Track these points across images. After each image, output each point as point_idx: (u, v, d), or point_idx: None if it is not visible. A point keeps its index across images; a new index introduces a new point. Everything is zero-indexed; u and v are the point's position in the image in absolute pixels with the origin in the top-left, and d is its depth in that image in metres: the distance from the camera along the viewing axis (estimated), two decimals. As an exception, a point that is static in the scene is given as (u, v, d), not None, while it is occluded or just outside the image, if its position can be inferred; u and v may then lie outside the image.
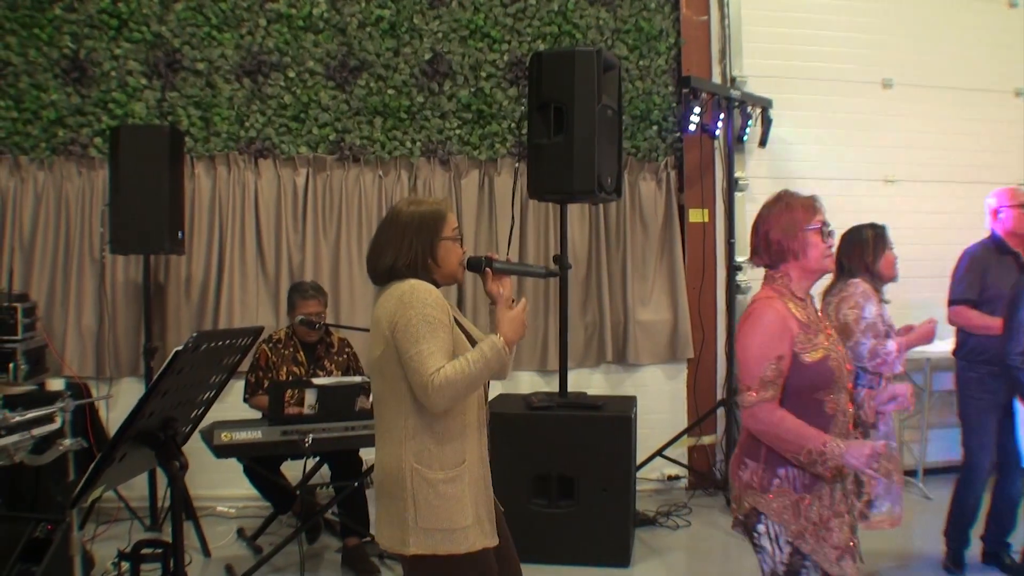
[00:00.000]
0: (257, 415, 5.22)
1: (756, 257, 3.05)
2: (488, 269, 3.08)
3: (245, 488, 5.50)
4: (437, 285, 2.96)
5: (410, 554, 2.80)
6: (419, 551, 2.79)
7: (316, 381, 4.88)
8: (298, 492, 5.21)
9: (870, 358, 4.14)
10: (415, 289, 2.81)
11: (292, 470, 5.36)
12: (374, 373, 2.93)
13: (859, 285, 4.25)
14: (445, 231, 2.97)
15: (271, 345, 5.34)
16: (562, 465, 5.13)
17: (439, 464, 2.83)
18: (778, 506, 2.89)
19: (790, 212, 2.94)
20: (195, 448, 4.23)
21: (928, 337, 4.37)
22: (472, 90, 6.49)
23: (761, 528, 2.93)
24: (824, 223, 2.95)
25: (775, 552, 2.90)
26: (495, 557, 2.94)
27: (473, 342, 2.98)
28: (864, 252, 4.37)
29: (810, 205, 2.97)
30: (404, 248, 2.91)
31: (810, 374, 2.85)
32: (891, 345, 4.15)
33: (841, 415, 2.93)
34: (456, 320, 3.00)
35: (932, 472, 6.64)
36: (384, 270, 2.93)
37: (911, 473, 6.68)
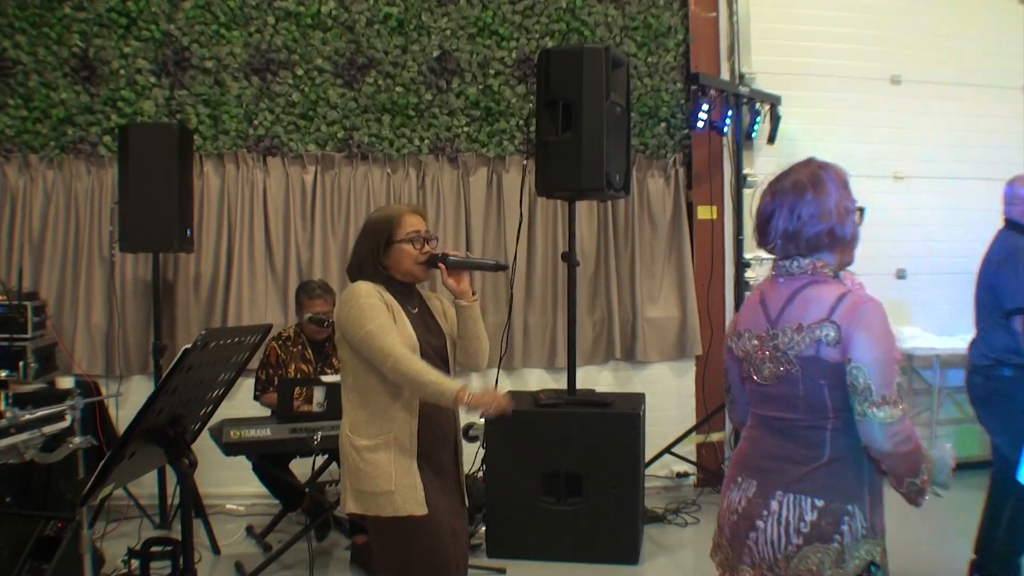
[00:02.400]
0: (266, 412, 5.23)
1: (789, 246, 2.55)
2: (442, 264, 3.30)
3: (254, 486, 5.51)
4: (401, 282, 3.28)
5: (348, 512, 3.22)
6: (355, 509, 3.17)
7: (324, 379, 4.89)
8: (307, 489, 5.22)
9: None
10: (354, 288, 3.19)
11: (301, 467, 5.37)
12: (340, 353, 3.29)
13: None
14: (397, 235, 3.25)
15: (280, 342, 5.36)
16: (571, 462, 5.13)
17: (366, 433, 3.15)
18: (883, 549, 2.50)
19: (839, 193, 2.56)
20: (204, 446, 4.25)
21: None
22: (480, 87, 6.49)
23: None
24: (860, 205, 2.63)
25: None
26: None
27: (431, 331, 3.31)
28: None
29: (847, 181, 2.64)
30: (359, 251, 3.32)
31: None
32: None
33: None
34: (424, 312, 3.36)
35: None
36: (349, 270, 3.36)
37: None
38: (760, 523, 2.48)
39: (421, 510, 3.13)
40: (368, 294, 3.14)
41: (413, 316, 3.26)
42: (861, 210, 2.59)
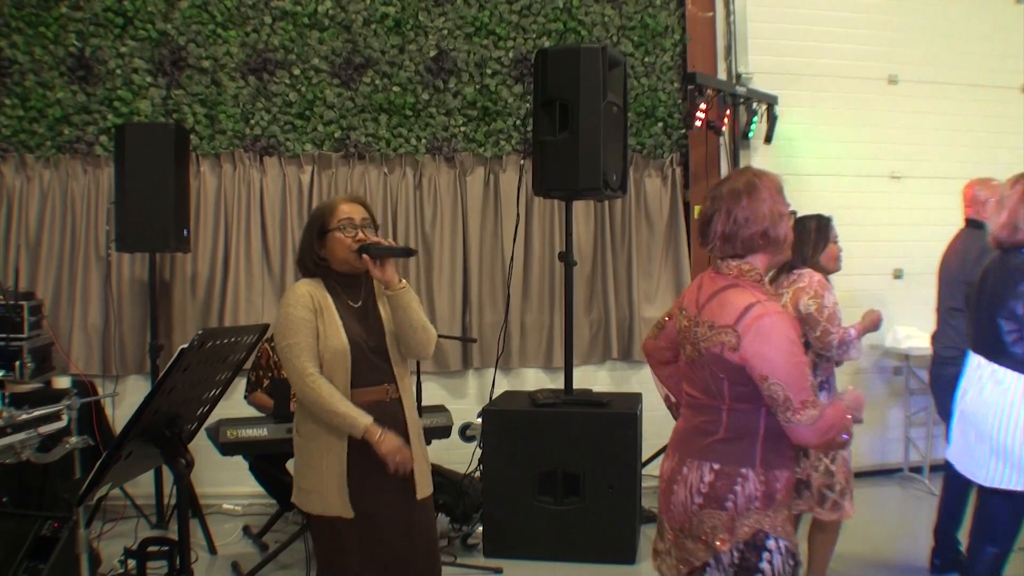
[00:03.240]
0: (258, 412, 5.22)
1: (726, 246, 2.70)
2: (365, 255, 3.26)
3: (251, 485, 5.50)
4: (345, 274, 3.28)
5: (294, 504, 3.26)
6: (295, 502, 3.24)
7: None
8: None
9: (839, 346, 4.07)
10: (288, 293, 3.23)
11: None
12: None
13: (812, 275, 4.17)
14: (331, 224, 3.25)
15: (272, 344, 5.35)
16: (568, 462, 5.13)
17: (305, 430, 3.20)
18: (782, 519, 2.65)
19: (772, 199, 2.66)
20: (201, 446, 4.24)
21: (876, 324, 4.42)
22: (477, 87, 6.49)
23: (767, 556, 2.60)
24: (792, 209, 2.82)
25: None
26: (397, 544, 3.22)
27: (368, 330, 3.27)
28: (805, 244, 4.26)
29: (781, 187, 2.73)
30: (300, 244, 3.36)
31: None
32: (853, 332, 4.13)
33: None
34: (372, 306, 3.34)
35: (938, 468, 6.62)
36: (297, 264, 3.38)
37: (916, 470, 6.68)
38: (675, 487, 2.73)
39: (344, 512, 3.13)
40: (295, 303, 3.16)
41: (352, 312, 3.25)
42: (793, 213, 2.79)
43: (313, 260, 3.27)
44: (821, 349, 4.09)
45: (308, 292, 3.19)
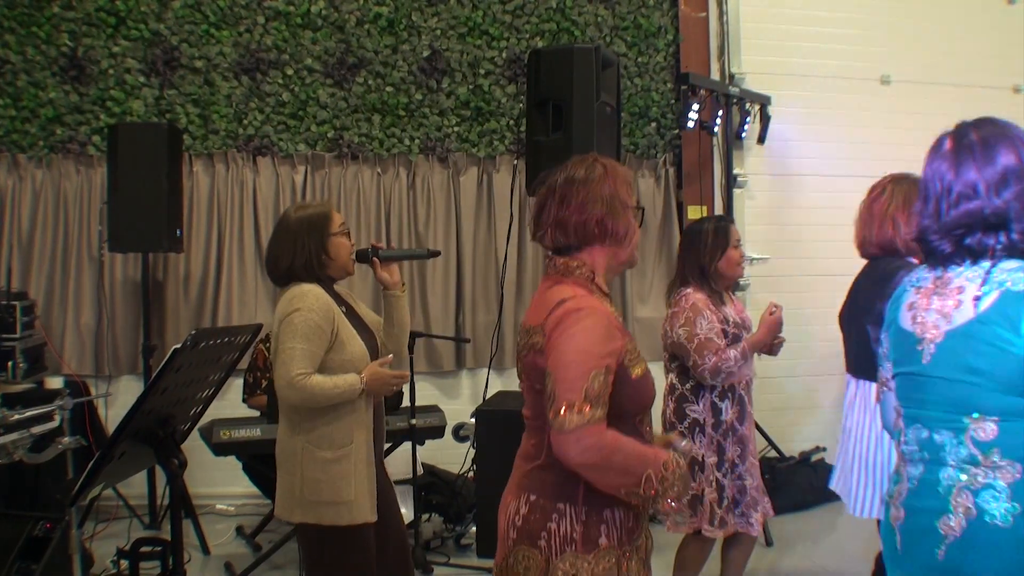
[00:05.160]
0: (256, 413, 5.22)
1: (558, 234, 2.37)
2: (375, 258, 3.39)
3: (244, 486, 5.50)
4: (333, 280, 3.31)
5: (296, 522, 3.20)
6: (307, 520, 3.15)
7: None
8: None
9: (712, 376, 3.77)
10: (306, 294, 3.15)
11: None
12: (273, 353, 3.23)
13: (688, 298, 3.88)
14: (332, 228, 3.26)
15: (267, 344, 5.34)
16: (561, 462, 5.12)
17: (328, 444, 3.14)
18: (604, 568, 2.26)
19: (615, 185, 2.37)
20: (194, 446, 4.24)
21: (775, 327, 3.88)
22: (471, 87, 6.49)
23: None
24: (640, 205, 2.49)
25: None
26: (377, 532, 3.26)
27: (366, 333, 3.32)
28: (700, 251, 3.96)
29: (630, 180, 2.46)
30: (298, 250, 3.21)
31: (634, 393, 2.29)
32: (732, 355, 3.77)
33: (652, 439, 2.43)
34: (352, 310, 3.36)
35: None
36: (283, 273, 3.26)
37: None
38: (500, 518, 2.41)
39: (373, 516, 3.19)
40: (318, 308, 3.12)
41: (350, 319, 3.28)
42: (641, 210, 2.47)
43: (319, 266, 3.24)
44: (700, 380, 3.84)
45: (327, 301, 3.17)
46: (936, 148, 2.25)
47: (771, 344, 3.93)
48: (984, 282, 2.04)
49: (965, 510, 1.99)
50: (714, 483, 3.86)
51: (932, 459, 2.09)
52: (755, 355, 4.01)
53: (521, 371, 2.39)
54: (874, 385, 3.16)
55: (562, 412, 2.11)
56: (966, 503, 1.99)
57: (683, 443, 2.47)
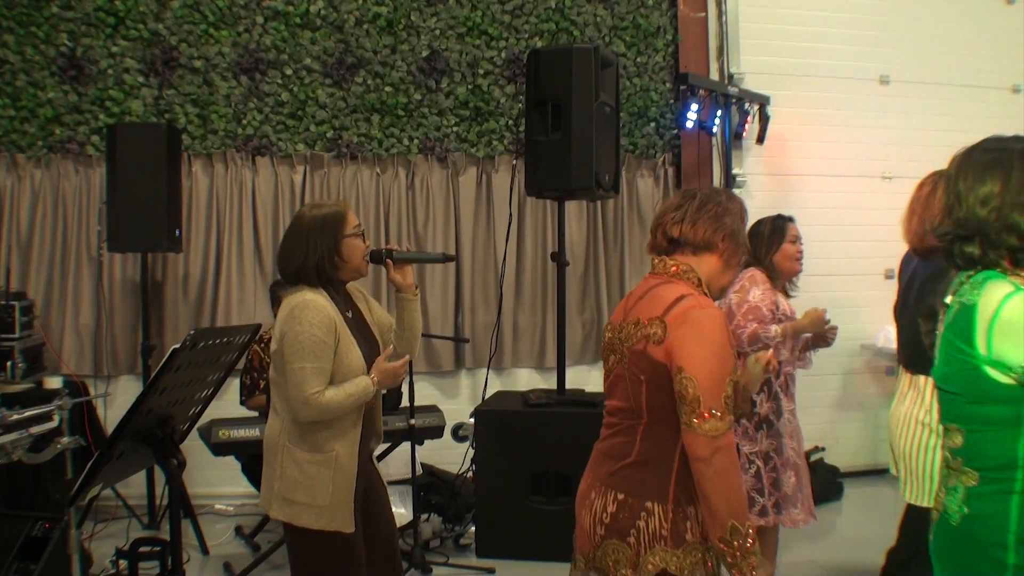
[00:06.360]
0: (255, 413, 5.22)
1: (685, 229, 2.49)
2: (388, 260, 3.37)
3: (243, 486, 5.50)
4: (344, 282, 3.29)
5: (272, 516, 3.18)
6: (280, 516, 3.14)
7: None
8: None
9: (750, 342, 3.93)
10: (307, 306, 3.09)
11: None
12: (274, 359, 3.18)
13: (749, 270, 4.12)
14: (347, 229, 3.22)
15: (263, 346, 5.33)
16: (560, 462, 5.12)
17: (308, 447, 3.12)
18: (692, 562, 2.38)
19: (743, 222, 2.55)
20: (193, 446, 4.24)
21: (818, 323, 4.08)
22: (470, 87, 6.49)
23: None
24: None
25: None
26: (366, 534, 3.27)
27: (367, 340, 3.29)
28: (758, 246, 4.19)
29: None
30: (311, 250, 3.17)
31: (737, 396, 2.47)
32: (774, 329, 3.96)
33: None
34: (359, 315, 3.34)
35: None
36: (294, 271, 3.21)
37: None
38: (583, 511, 2.54)
39: (349, 527, 3.15)
40: (319, 323, 3.07)
41: (351, 327, 3.24)
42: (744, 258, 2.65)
43: (331, 267, 3.20)
44: (736, 346, 3.90)
45: (328, 311, 3.13)
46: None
47: (821, 335, 4.15)
48: (956, 292, 2.14)
49: (940, 505, 2.18)
50: (751, 472, 3.99)
51: None
52: (802, 363, 4.21)
53: (617, 362, 2.50)
54: (923, 379, 3.35)
55: (708, 418, 2.27)
56: (941, 500, 2.18)
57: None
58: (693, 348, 2.30)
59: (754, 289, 4.04)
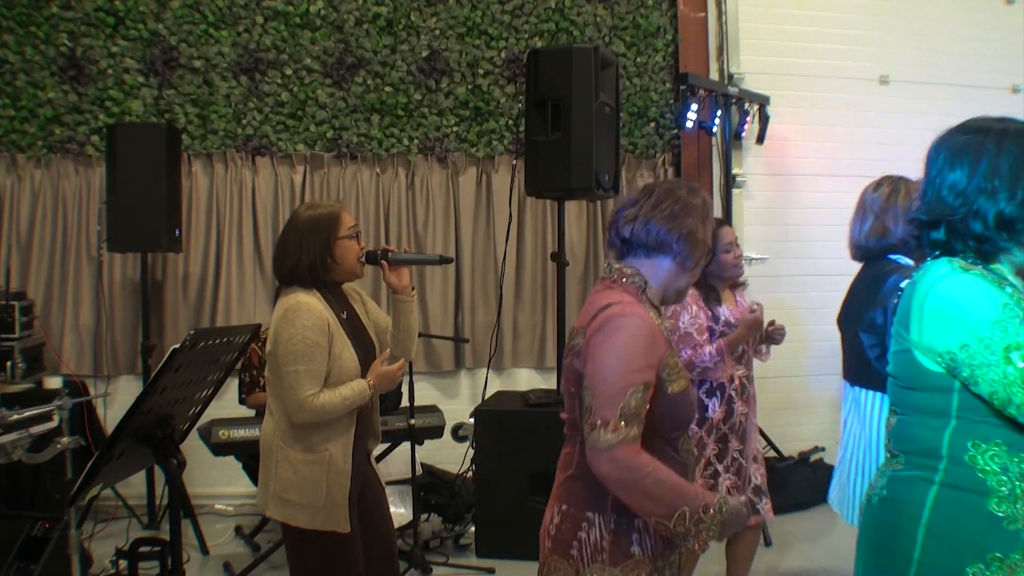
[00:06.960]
0: (254, 413, 5.21)
1: (637, 229, 2.33)
2: (384, 261, 3.36)
3: (243, 486, 5.50)
4: (338, 283, 3.30)
5: (268, 516, 3.19)
6: (276, 517, 3.16)
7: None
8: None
9: (688, 369, 3.79)
10: (299, 309, 3.10)
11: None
12: (269, 360, 3.21)
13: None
14: (341, 231, 3.22)
15: (261, 344, 5.33)
16: (560, 462, 5.13)
17: (302, 447, 3.13)
18: None
19: (705, 221, 2.36)
20: (193, 446, 4.24)
21: (752, 326, 3.91)
22: (469, 87, 6.49)
23: None
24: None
25: None
26: (364, 534, 3.28)
27: (362, 342, 3.29)
28: None
29: (714, 226, 2.54)
30: (304, 251, 3.18)
31: (669, 409, 2.25)
32: (707, 351, 3.85)
33: (692, 458, 2.41)
34: (353, 316, 3.34)
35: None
36: (287, 272, 3.22)
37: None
38: (542, 526, 2.44)
39: (344, 527, 3.16)
40: (312, 325, 3.08)
41: (345, 328, 3.24)
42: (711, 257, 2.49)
43: (323, 268, 3.20)
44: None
45: (321, 313, 3.12)
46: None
47: (768, 334, 4.08)
48: (910, 280, 2.11)
49: (870, 488, 2.15)
50: (708, 473, 3.95)
51: None
52: (759, 356, 4.14)
53: (563, 377, 2.38)
54: (867, 392, 3.21)
55: (597, 428, 2.11)
56: (872, 483, 2.16)
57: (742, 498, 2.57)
58: (597, 355, 2.17)
59: (683, 314, 3.92)
